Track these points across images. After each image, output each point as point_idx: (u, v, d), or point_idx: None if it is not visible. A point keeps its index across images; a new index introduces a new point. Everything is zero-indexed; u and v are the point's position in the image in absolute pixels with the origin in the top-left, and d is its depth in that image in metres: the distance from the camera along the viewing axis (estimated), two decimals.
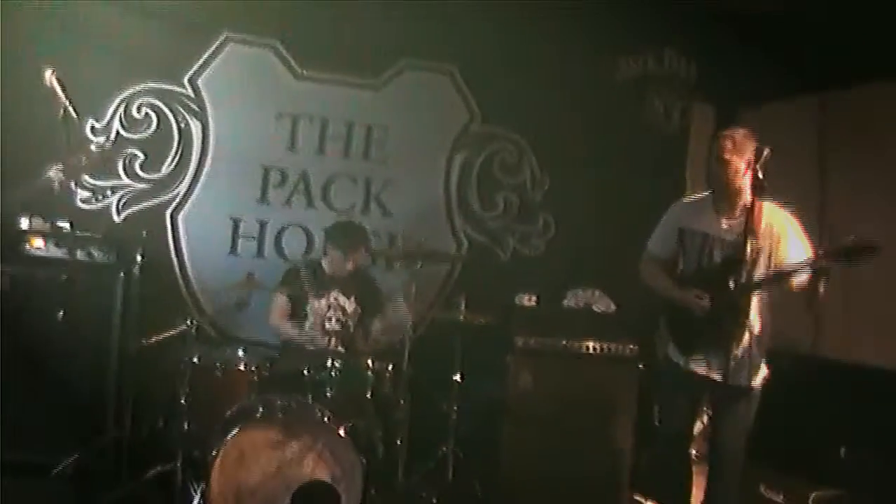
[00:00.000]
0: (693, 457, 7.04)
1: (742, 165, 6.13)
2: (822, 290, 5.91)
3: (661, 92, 9.59)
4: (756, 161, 5.76)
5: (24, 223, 7.76)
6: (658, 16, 9.14)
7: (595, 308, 8.52)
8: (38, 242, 7.70)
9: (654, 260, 6.86)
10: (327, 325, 7.94)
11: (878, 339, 7.70)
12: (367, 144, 9.31)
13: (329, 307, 7.99)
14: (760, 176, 5.71)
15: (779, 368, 6.66)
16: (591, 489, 7.91)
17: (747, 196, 6.00)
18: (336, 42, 9.02)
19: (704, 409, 7.03)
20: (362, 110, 9.29)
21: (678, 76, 9.58)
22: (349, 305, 8.04)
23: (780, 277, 6.18)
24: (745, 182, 6.10)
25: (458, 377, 7.97)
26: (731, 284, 6.12)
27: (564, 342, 8.19)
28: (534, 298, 8.52)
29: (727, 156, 6.19)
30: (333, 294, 8.01)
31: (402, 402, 7.43)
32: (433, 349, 8.11)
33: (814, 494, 7.25)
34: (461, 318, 7.95)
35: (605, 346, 8.18)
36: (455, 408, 7.95)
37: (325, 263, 8.10)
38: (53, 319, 7.35)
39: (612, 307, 8.51)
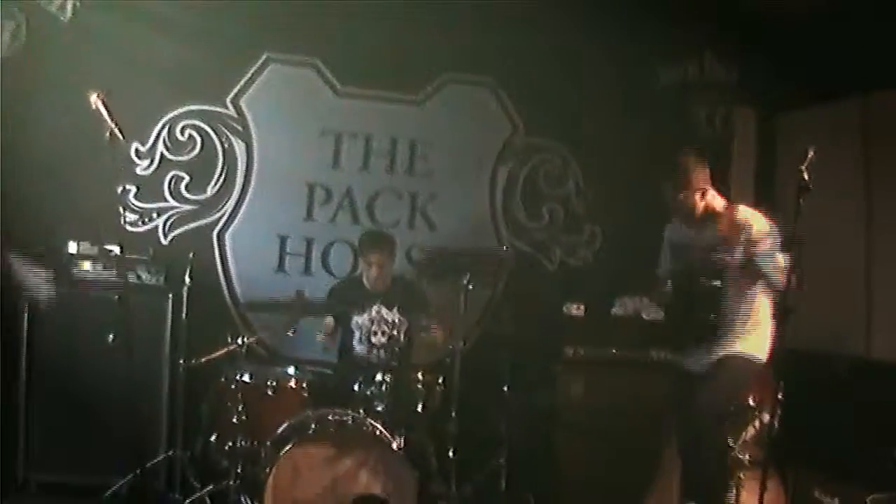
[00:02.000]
0: (745, 462, 7.00)
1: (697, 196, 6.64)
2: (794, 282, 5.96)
3: (702, 98, 9.55)
4: (801, 162, 5.72)
5: (73, 247, 7.85)
6: (697, 22, 9.12)
7: (644, 315, 8.49)
8: (87, 265, 7.77)
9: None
10: (374, 339, 7.95)
11: None
12: (412, 159, 9.33)
13: (372, 321, 7.99)
14: (806, 177, 5.68)
15: (831, 371, 6.63)
16: (643, 498, 7.88)
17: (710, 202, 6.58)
18: (377, 58, 9.05)
19: (757, 413, 6.96)
20: (405, 126, 9.32)
21: (719, 82, 9.53)
22: (393, 317, 8.03)
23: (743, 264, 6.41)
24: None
25: (507, 389, 7.95)
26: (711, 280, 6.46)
27: (614, 351, 8.18)
28: (582, 308, 8.50)
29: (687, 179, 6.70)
30: (376, 308, 8.01)
31: (453, 414, 7.43)
32: (482, 362, 8.12)
33: (871, 497, 7.19)
34: (510, 329, 7.94)
35: (654, 353, 8.16)
36: (506, 419, 7.94)
37: (364, 279, 8.11)
38: (104, 342, 7.40)
39: (661, 314, 8.47)
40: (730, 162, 9.49)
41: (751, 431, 7.10)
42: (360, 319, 7.99)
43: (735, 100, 9.54)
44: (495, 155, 9.51)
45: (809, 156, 5.71)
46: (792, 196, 5.77)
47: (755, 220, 6.43)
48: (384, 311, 8.02)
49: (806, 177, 5.68)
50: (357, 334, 7.98)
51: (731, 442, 7.40)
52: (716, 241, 6.47)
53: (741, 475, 7.08)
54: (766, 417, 6.66)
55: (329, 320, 8.02)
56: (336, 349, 8.16)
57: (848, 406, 7.64)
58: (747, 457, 7.14)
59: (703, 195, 6.60)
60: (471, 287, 7.71)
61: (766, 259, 6.31)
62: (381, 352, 7.90)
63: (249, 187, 8.94)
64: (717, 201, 6.66)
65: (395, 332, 7.99)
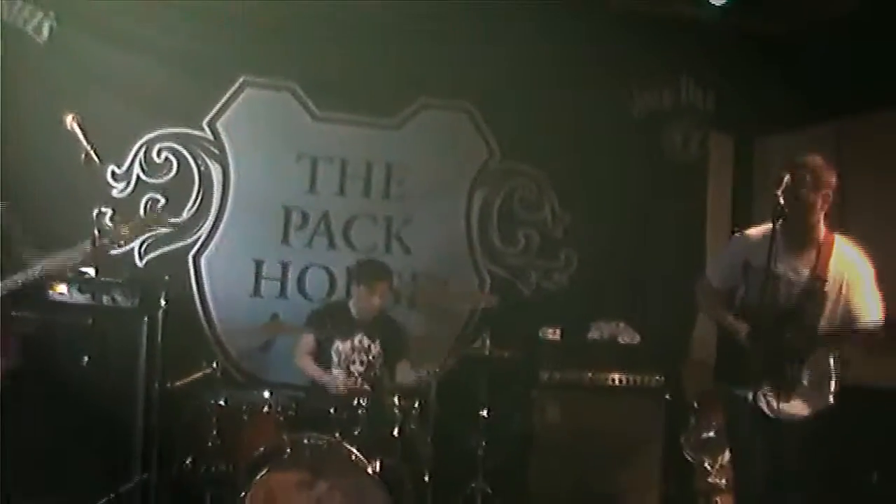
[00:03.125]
0: (722, 486, 7.01)
1: (819, 200, 5.81)
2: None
3: (678, 123, 9.58)
4: (777, 187, 5.58)
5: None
6: (674, 48, 9.18)
7: (620, 340, 8.50)
8: (61, 288, 7.72)
9: (710, 289, 6.49)
10: (352, 368, 7.92)
11: None
12: (387, 184, 9.34)
13: (353, 350, 7.96)
14: (782, 202, 5.51)
15: None
16: None
17: (820, 232, 5.86)
18: (353, 83, 9.07)
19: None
20: (381, 150, 9.34)
21: (695, 107, 9.57)
22: (373, 349, 8.01)
23: (846, 340, 6.00)
24: (819, 217, 5.87)
25: (484, 413, 7.94)
26: (794, 331, 5.84)
27: (590, 375, 8.19)
28: (558, 332, 8.51)
29: (805, 190, 5.77)
30: (358, 337, 7.99)
31: (429, 439, 7.41)
32: (459, 386, 8.10)
33: None
34: (486, 353, 7.93)
35: (630, 378, 8.18)
36: (482, 443, 7.92)
37: (351, 306, 8.09)
38: (78, 364, 7.36)
39: (637, 338, 8.48)
40: (706, 187, 9.53)
41: (727, 456, 7.11)
42: (341, 346, 7.96)
43: (711, 125, 9.58)
44: (471, 179, 9.52)
45: (785, 180, 5.66)
46: (767, 220, 5.73)
47: (857, 257, 5.99)
48: (366, 341, 8.00)
49: (782, 201, 5.60)
50: (336, 360, 7.95)
51: (708, 466, 7.44)
52: (814, 275, 5.88)
53: (717, 499, 7.10)
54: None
55: (309, 339, 8.00)
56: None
57: (825, 429, 7.66)
58: (724, 481, 7.18)
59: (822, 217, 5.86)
60: (446, 312, 7.71)
61: (862, 304, 5.88)
62: (358, 380, 7.86)
63: (225, 211, 8.93)
64: (821, 227, 5.95)
65: (372, 363, 7.96)
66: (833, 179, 5.66)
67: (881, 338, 5.79)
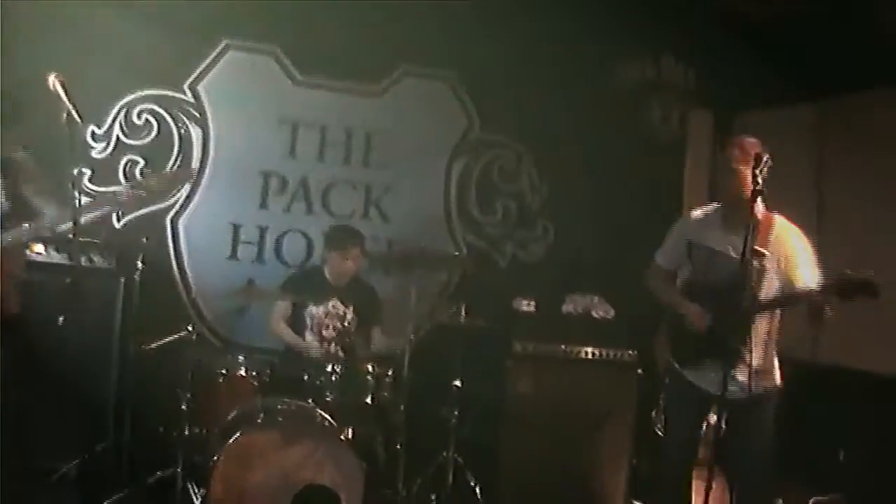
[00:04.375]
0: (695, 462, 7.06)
1: (750, 175, 5.82)
2: (827, 314, 5.86)
3: (659, 98, 9.60)
4: (755, 167, 5.71)
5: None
6: (656, 23, 9.16)
7: (594, 313, 8.53)
8: (38, 248, 7.72)
9: (659, 270, 6.74)
10: (324, 332, 7.93)
11: (875, 344, 7.72)
12: (367, 151, 9.36)
13: (327, 314, 7.98)
14: (760, 182, 5.69)
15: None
16: (589, 494, 7.94)
17: (757, 210, 5.89)
18: (336, 49, 9.06)
19: (710, 414, 6.95)
20: (362, 117, 9.34)
21: (676, 83, 9.58)
22: (347, 314, 8.03)
23: (785, 303, 6.16)
24: (751, 194, 5.83)
25: (457, 382, 7.97)
26: (736, 304, 5.89)
27: (563, 347, 8.22)
28: (532, 304, 8.53)
29: (736, 165, 6.04)
30: (332, 302, 8.01)
31: (401, 407, 7.42)
32: (433, 354, 8.12)
33: (813, 499, 7.28)
34: (461, 323, 7.96)
35: (603, 352, 8.21)
36: (455, 413, 7.95)
37: (326, 271, 8.11)
38: (54, 325, 7.35)
39: (611, 313, 8.51)
40: (684, 163, 9.55)
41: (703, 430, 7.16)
42: (315, 311, 7.98)
43: (691, 102, 9.60)
44: (451, 149, 9.56)
45: (764, 159, 5.72)
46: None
47: (793, 232, 6.23)
48: (340, 306, 8.01)
49: (760, 180, 5.69)
50: (309, 324, 7.97)
51: None
52: (755, 251, 5.96)
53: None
54: (714, 418, 6.70)
55: (284, 305, 8.02)
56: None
57: (793, 408, 7.72)
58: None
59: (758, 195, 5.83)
60: (422, 279, 7.71)
61: (803, 281, 6.03)
62: (331, 345, 7.88)
63: (204, 174, 8.93)
64: (759, 207, 6.00)
65: (345, 328, 7.97)
66: (764, 157, 5.70)
67: (820, 305, 5.84)
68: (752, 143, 6.07)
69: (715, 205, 6.48)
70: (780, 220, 6.16)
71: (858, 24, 7.80)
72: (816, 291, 5.83)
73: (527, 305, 8.52)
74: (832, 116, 8.53)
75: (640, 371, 8.10)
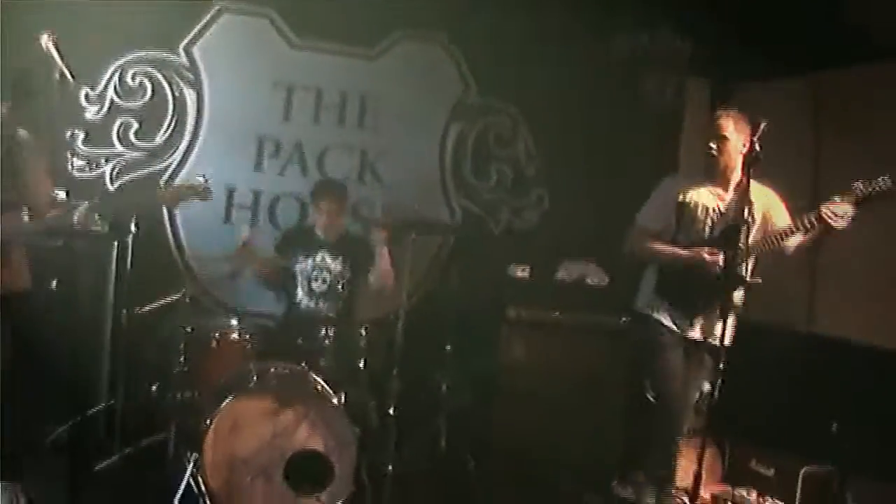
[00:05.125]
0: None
1: (739, 145, 6.37)
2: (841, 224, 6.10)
3: (656, 68, 9.55)
4: (753, 134, 5.88)
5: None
6: None
7: (588, 280, 8.54)
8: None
9: (645, 232, 6.84)
10: (313, 286, 7.91)
11: (869, 316, 7.72)
12: (362, 114, 9.33)
13: (314, 268, 7.96)
14: (758, 149, 5.81)
15: (772, 345, 6.70)
16: (582, 460, 7.96)
17: (738, 173, 6.43)
18: (332, 12, 8.97)
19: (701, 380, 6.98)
20: (358, 80, 9.31)
21: (673, 52, 9.54)
22: (335, 266, 7.99)
23: (776, 239, 6.42)
24: (739, 160, 6.42)
25: (450, 348, 7.98)
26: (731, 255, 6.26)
27: (557, 314, 8.23)
28: (527, 270, 8.54)
29: (727, 134, 6.43)
30: (320, 255, 7.98)
31: (394, 372, 7.43)
32: (426, 320, 8.11)
33: (804, 469, 7.30)
34: (454, 289, 7.96)
35: (597, 319, 8.23)
36: (447, 379, 7.97)
37: (316, 228, 8.08)
38: (47, 287, 7.34)
39: (605, 280, 8.52)
40: (680, 132, 9.53)
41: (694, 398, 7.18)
42: (302, 265, 7.95)
43: (688, 71, 9.56)
44: (447, 113, 9.53)
45: (762, 127, 5.79)
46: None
47: (772, 200, 6.61)
48: (328, 258, 7.98)
49: (757, 148, 5.78)
50: (299, 279, 7.96)
51: None
52: (736, 212, 6.39)
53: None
54: (707, 387, 6.72)
55: (245, 228, 8.02)
56: (281, 298, 8.14)
57: (787, 379, 7.74)
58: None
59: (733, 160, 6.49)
60: (416, 244, 7.68)
61: (779, 240, 6.44)
62: (321, 301, 7.87)
63: (199, 137, 8.90)
64: (738, 171, 6.53)
65: (336, 281, 7.95)
66: (761, 125, 5.90)
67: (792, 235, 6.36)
68: (741, 114, 6.49)
69: (697, 176, 6.79)
70: (754, 184, 6.26)
71: None
72: (804, 220, 6.27)
73: (521, 272, 8.54)
74: (829, 89, 8.51)
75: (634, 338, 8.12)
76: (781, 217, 6.53)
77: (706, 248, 6.45)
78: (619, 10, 9.22)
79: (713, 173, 6.60)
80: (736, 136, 6.39)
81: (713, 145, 6.49)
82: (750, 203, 6.22)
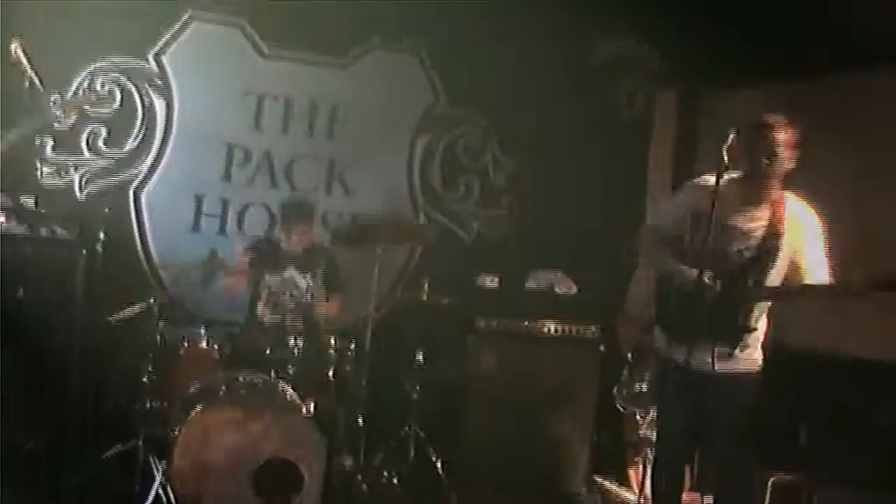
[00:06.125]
0: (653, 440, 7.08)
1: (783, 159, 5.81)
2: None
3: (625, 78, 9.61)
4: (723, 143, 5.65)
5: None
6: (623, 2, 9.15)
7: (557, 290, 8.56)
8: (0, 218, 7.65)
9: (659, 233, 6.42)
10: (281, 303, 7.90)
11: (837, 326, 7.76)
12: (332, 124, 9.32)
13: (283, 283, 7.95)
14: (726, 159, 5.60)
15: None
16: (551, 469, 7.98)
17: (776, 189, 5.89)
18: (303, 21, 8.98)
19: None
20: (328, 90, 9.31)
21: (643, 62, 9.60)
22: (302, 282, 8.00)
23: (794, 294, 6.07)
24: (779, 175, 5.88)
25: (420, 357, 7.99)
26: (747, 282, 5.87)
27: (526, 323, 8.24)
28: (496, 280, 8.56)
29: (780, 147, 5.79)
30: (289, 271, 7.99)
31: (364, 381, 7.44)
32: (395, 329, 8.16)
33: (773, 479, 7.32)
34: (424, 298, 7.96)
35: (566, 328, 8.24)
36: (417, 388, 7.97)
37: (283, 243, 8.08)
38: (14, 296, 7.31)
39: (574, 289, 8.54)
40: (649, 142, 9.58)
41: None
42: (270, 280, 7.96)
43: (658, 81, 9.61)
44: (416, 123, 9.55)
45: (731, 137, 5.72)
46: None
47: (808, 216, 6.01)
48: (296, 274, 7.99)
49: (726, 158, 5.67)
50: (264, 295, 7.96)
51: (639, 418, 7.52)
52: (771, 230, 5.89)
53: (647, 451, 7.18)
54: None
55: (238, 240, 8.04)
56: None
57: (754, 389, 7.77)
58: (655, 434, 7.24)
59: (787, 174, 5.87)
60: (385, 255, 7.68)
61: (811, 262, 5.93)
62: (289, 316, 7.86)
63: (168, 145, 8.85)
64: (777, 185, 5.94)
65: (301, 297, 7.94)
66: (791, 139, 5.71)
67: (826, 298, 5.92)
68: (787, 125, 5.89)
69: (730, 175, 5.91)
70: (790, 198, 5.99)
71: (827, 6, 7.80)
72: (841, 284, 5.75)
73: (490, 281, 8.55)
74: (799, 99, 8.54)
75: (602, 348, 8.13)
76: (813, 253, 5.94)
77: (694, 274, 5.83)
78: (590, 20, 9.26)
79: (747, 185, 5.96)
80: (785, 152, 5.77)
81: (766, 160, 5.78)
82: (779, 229, 5.87)
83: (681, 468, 6.64)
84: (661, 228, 6.46)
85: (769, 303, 6.04)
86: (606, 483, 8.06)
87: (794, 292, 6.03)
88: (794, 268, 5.96)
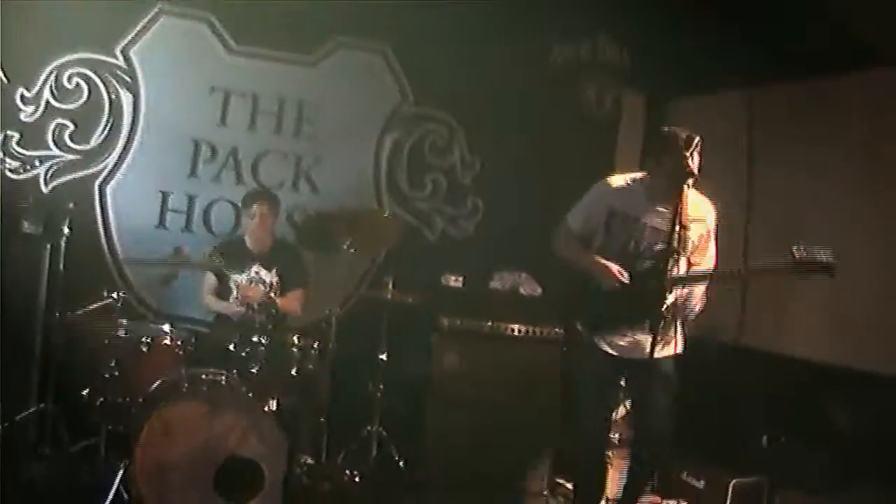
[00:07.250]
0: (615, 441, 7.13)
1: (690, 160, 6.05)
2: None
3: (593, 79, 9.64)
4: (691, 150, 5.93)
5: None
6: (593, 3, 9.17)
7: (521, 291, 8.57)
8: None
9: (571, 234, 6.77)
10: (249, 299, 7.88)
11: (800, 330, 7.82)
12: (299, 121, 9.31)
13: (250, 282, 7.97)
14: (691, 163, 5.90)
15: (702, 357, 6.75)
16: (513, 469, 8.00)
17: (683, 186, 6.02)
18: (271, 18, 8.96)
19: (627, 393, 7.01)
20: (295, 87, 9.29)
21: (611, 64, 9.62)
22: (269, 278, 8.02)
23: (698, 280, 6.33)
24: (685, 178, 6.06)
25: (383, 356, 8.00)
26: (657, 276, 6.10)
27: (490, 324, 8.26)
28: (460, 279, 8.57)
29: (692, 152, 6.04)
30: (255, 268, 8.01)
31: (327, 379, 7.44)
32: (359, 327, 8.14)
33: (734, 482, 7.38)
34: (388, 297, 7.98)
35: (530, 329, 8.27)
36: (380, 386, 7.99)
37: (247, 239, 8.09)
38: None
39: (539, 290, 8.56)
40: (615, 143, 9.61)
41: (622, 411, 7.22)
42: (237, 278, 7.96)
43: (625, 82, 9.65)
44: (383, 122, 9.54)
45: (695, 142, 5.82)
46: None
47: (709, 209, 6.49)
48: (262, 272, 8.01)
49: (691, 163, 5.80)
50: (235, 293, 7.96)
51: None
52: (679, 224, 6.01)
53: (610, 454, 7.21)
54: (630, 403, 6.79)
55: (211, 277, 8.01)
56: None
57: (717, 392, 7.82)
58: (617, 436, 7.29)
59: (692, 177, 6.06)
60: (351, 252, 7.67)
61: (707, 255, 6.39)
62: (256, 313, 7.84)
63: (134, 140, 8.81)
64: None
65: (270, 294, 7.93)
66: (695, 140, 6.01)
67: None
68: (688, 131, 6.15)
69: (636, 175, 6.61)
70: (695, 194, 6.26)
71: (792, 13, 7.84)
72: (743, 268, 6.32)
73: (454, 281, 8.56)
74: (764, 104, 8.60)
75: (565, 349, 8.15)
76: (706, 258, 6.41)
77: (614, 266, 6.36)
78: (557, 20, 9.29)
79: (654, 183, 6.40)
80: (687, 152, 6.01)
81: (674, 161, 6.06)
82: (685, 221, 6.02)
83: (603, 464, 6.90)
84: (574, 226, 6.78)
85: (681, 290, 6.31)
86: (569, 484, 8.08)
87: (700, 277, 6.33)
88: (700, 255, 6.34)
